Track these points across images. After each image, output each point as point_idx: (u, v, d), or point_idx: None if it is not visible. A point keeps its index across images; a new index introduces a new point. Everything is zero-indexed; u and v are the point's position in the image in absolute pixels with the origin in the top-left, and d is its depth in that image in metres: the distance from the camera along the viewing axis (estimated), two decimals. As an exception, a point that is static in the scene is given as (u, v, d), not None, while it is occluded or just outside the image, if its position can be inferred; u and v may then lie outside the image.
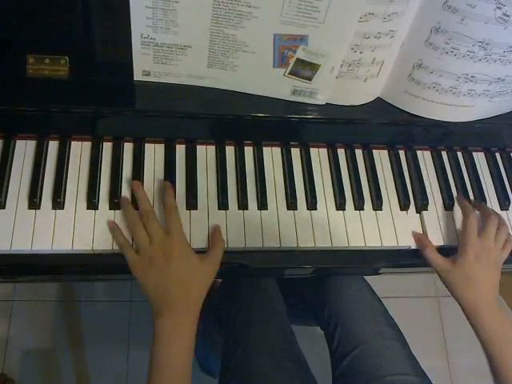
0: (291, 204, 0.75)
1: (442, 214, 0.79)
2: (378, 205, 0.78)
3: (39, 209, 0.69)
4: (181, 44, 0.67)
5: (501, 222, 0.76)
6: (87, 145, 0.74)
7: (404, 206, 0.79)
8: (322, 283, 0.94)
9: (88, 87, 0.72)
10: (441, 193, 0.82)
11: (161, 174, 0.74)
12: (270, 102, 0.74)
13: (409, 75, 0.72)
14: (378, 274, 0.82)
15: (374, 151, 0.83)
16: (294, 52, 0.67)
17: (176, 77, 0.72)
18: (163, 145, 0.77)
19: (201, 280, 0.67)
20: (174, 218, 0.68)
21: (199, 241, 0.70)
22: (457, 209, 0.80)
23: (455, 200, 0.81)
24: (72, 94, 0.71)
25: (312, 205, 0.76)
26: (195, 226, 0.72)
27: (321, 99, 0.74)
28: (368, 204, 0.78)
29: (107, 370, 1.34)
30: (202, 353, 1.26)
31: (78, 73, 0.70)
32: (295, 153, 0.80)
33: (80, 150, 0.74)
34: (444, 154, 0.85)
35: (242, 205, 0.74)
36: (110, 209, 0.71)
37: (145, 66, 0.70)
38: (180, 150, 0.77)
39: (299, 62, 0.68)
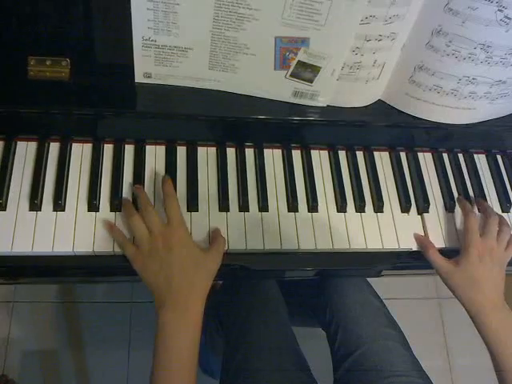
0: (292, 206, 0.75)
1: (443, 216, 0.79)
2: (379, 207, 0.78)
3: (40, 211, 0.69)
4: (182, 46, 0.67)
5: (502, 222, 0.76)
6: (88, 147, 0.75)
7: (405, 208, 0.79)
8: (323, 284, 0.94)
9: (89, 89, 0.72)
10: (442, 195, 0.82)
11: (162, 176, 0.74)
12: (271, 104, 0.74)
13: (410, 77, 0.72)
14: (381, 276, 0.82)
15: (375, 153, 0.83)
16: (295, 54, 0.67)
17: (177, 79, 0.72)
18: (164, 146, 0.77)
19: (203, 268, 0.65)
20: (174, 207, 0.67)
21: (200, 243, 0.70)
22: (458, 211, 0.80)
23: (456, 201, 0.81)
24: (73, 96, 0.71)
25: (313, 207, 0.76)
26: (196, 227, 0.71)
27: (322, 101, 0.74)
28: (369, 206, 0.78)
29: (108, 371, 1.34)
30: (202, 354, 1.25)
31: (79, 74, 0.70)
32: (296, 155, 0.80)
33: (81, 152, 0.74)
34: (445, 156, 0.85)
35: (243, 207, 0.74)
36: (110, 211, 0.71)
37: (146, 68, 0.70)
38: (181, 151, 0.77)
39: (300, 64, 0.68)
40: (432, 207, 0.80)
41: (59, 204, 0.69)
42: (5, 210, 0.69)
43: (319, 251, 0.74)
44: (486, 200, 0.82)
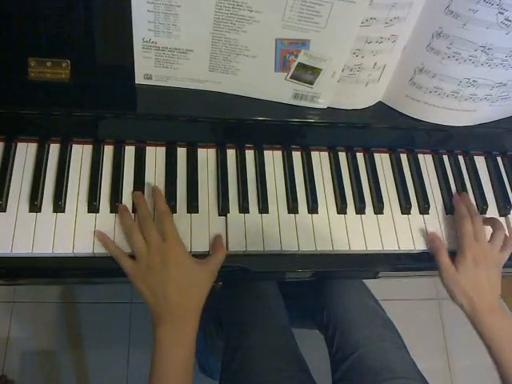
0: (292, 208, 0.75)
1: (443, 218, 0.79)
2: (379, 208, 0.78)
3: (40, 212, 0.69)
4: (182, 48, 0.67)
5: (495, 224, 0.76)
6: (88, 148, 0.74)
7: (405, 210, 0.79)
8: (321, 287, 0.94)
9: (89, 90, 0.72)
10: (442, 196, 0.82)
11: (162, 177, 0.74)
12: (271, 106, 0.74)
13: (410, 79, 0.72)
14: (378, 277, 0.82)
15: (376, 155, 0.83)
16: (296, 56, 0.67)
17: (177, 80, 0.72)
18: (164, 148, 0.77)
19: (200, 285, 0.67)
20: (168, 224, 0.67)
21: (200, 244, 0.70)
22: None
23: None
24: (73, 97, 0.71)
25: (313, 208, 0.76)
26: (196, 229, 0.71)
27: (322, 103, 0.74)
28: (369, 208, 0.78)
29: (107, 371, 1.34)
30: (202, 355, 1.26)
31: (80, 76, 0.70)
32: (296, 156, 0.80)
33: (81, 153, 0.74)
34: (445, 158, 0.85)
35: (243, 208, 0.74)
36: (110, 212, 0.71)
37: (146, 70, 0.70)
38: (181, 153, 0.77)
39: (301, 66, 0.68)
40: (432, 209, 0.80)
41: (59, 205, 0.69)
42: (5, 211, 0.69)
43: (319, 253, 0.74)
44: (485, 202, 0.82)
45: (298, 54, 0.67)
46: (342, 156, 0.82)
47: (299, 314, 1.03)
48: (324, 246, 0.74)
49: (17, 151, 0.73)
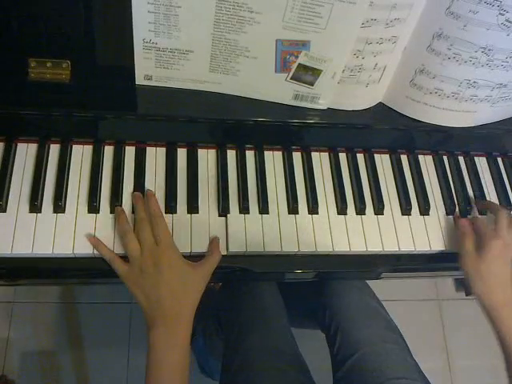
0: (292, 208, 0.75)
1: (443, 219, 0.79)
2: (379, 209, 0.78)
3: (40, 212, 0.69)
4: (183, 48, 0.67)
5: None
6: (88, 148, 0.75)
7: (405, 211, 0.79)
8: (323, 286, 0.94)
9: (89, 91, 0.72)
10: (442, 197, 0.82)
11: (162, 178, 0.74)
12: (271, 107, 0.74)
13: (411, 80, 0.72)
14: (380, 278, 0.82)
15: (376, 155, 0.83)
16: (296, 57, 0.67)
17: (178, 81, 0.72)
18: (165, 148, 0.77)
19: (193, 288, 0.67)
20: (162, 227, 0.67)
21: (200, 245, 0.70)
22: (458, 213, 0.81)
23: (457, 205, 0.81)
24: (74, 98, 0.71)
25: (313, 209, 0.76)
26: (196, 229, 0.71)
27: (322, 104, 0.74)
28: (369, 208, 0.78)
29: (107, 372, 1.34)
30: (202, 355, 1.26)
31: (80, 77, 0.70)
32: (297, 157, 0.80)
33: (81, 154, 0.74)
34: (445, 159, 0.85)
35: (244, 209, 0.74)
36: (110, 212, 0.71)
37: (147, 71, 0.70)
38: (181, 153, 0.77)
39: (301, 67, 0.68)
40: (432, 210, 0.80)
41: (59, 206, 0.69)
42: (5, 211, 0.69)
43: (319, 253, 0.74)
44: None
45: (299, 54, 0.67)
46: (343, 157, 0.82)
47: (299, 314, 1.03)
48: (324, 247, 0.74)
49: (17, 152, 0.73)
